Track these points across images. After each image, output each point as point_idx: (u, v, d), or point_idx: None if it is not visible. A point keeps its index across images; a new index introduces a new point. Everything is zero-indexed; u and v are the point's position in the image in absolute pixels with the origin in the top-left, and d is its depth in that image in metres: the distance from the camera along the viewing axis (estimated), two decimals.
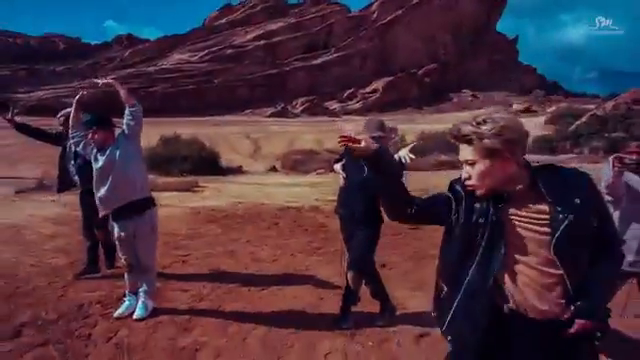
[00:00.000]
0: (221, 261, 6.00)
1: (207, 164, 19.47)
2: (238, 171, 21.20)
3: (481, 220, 1.81)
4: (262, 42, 67.14)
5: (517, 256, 1.79)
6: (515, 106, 52.08)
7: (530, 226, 1.77)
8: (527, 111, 48.05)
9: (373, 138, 3.80)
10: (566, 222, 1.70)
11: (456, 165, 20.77)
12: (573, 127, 29.20)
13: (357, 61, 67.98)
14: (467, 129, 1.75)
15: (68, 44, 72.03)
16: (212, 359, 3.59)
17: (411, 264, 5.78)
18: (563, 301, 1.75)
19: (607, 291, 1.92)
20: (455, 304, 1.90)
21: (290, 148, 29.13)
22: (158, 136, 21.01)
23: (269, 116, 53.72)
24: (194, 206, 9.83)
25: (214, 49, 65.71)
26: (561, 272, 1.73)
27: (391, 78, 65.42)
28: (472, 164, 1.77)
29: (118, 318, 4.18)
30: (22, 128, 5.44)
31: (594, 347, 1.83)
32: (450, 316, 1.92)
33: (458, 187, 1.91)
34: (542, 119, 36.04)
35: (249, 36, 68.90)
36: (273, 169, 23.13)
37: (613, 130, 24.62)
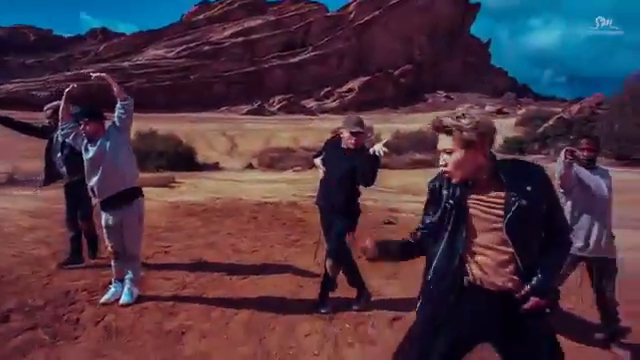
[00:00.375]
0: (202, 252, 6.16)
1: (183, 160, 19.50)
2: (215, 168, 21.27)
3: (448, 206, 2.09)
4: (240, 39, 66.78)
5: (478, 236, 2.06)
6: (487, 108, 53.08)
7: (489, 209, 2.04)
8: (499, 113, 49.07)
9: (352, 133, 4.07)
10: (517, 205, 1.98)
11: (430, 163, 21.24)
12: (541, 129, 30.33)
13: (334, 60, 68.25)
14: (448, 121, 2.02)
15: (39, 36, 70.24)
16: (197, 341, 3.77)
17: None
18: (515, 277, 2.03)
19: (556, 274, 2.18)
20: (427, 284, 2.17)
21: (267, 146, 29.25)
22: (133, 131, 20.91)
23: (245, 113, 53.55)
24: (172, 200, 9.93)
25: (191, 45, 65.06)
26: (512, 250, 2.00)
27: (367, 78, 65.89)
28: (450, 153, 2.03)
29: (105, 304, 4.33)
30: (6, 121, 5.50)
31: (545, 322, 2.10)
32: (423, 296, 2.20)
33: (433, 184, 2.20)
34: (513, 121, 36.97)
35: (227, 33, 68.44)
36: (250, 166, 23.24)
37: (578, 132, 25.59)
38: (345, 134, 4.14)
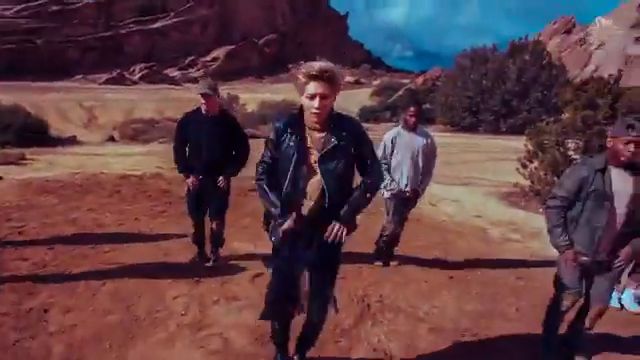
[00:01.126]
0: (62, 229, 5.92)
1: (34, 135, 17.72)
2: (71, 142, 19.75)
3: (291, 144, 2.55)
4: (92, 0, 61.23)
5: (310, 171, 2.56)
6: (347, 78, 55.61)
7: (316, 149, 2.55)
8: (356, 84, 51.96)
9: (201, 95, 4.37)
10: (332, 145, 2.51)
11: None
12: (392, 99, 33.94)
13: (197, 27, 65.80)
14: (330, 67, 2.43)
15: None
16: (62, 316, 3.71)
17: (249, 220, 6.41)
18: (323, 206, 2.57)
19: (355, 209, 2.66)
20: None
21: (129, 117, 27.79)
22: None
23: (104, 83, 49.75)
24: (22, 178, 9.19)
25: (33, 4, 58.07)
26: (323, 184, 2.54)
27: (232, 47, 64.72)
28: (325, 98, 2.44)
29: None
30: None
31: (340, 240, 2.63)
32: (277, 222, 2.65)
33: (279, 125, 2.65)
34: (369, 91, 40.47)
35: None
36: (111, 139, 21.96)
37: (422, 102, 29.14)
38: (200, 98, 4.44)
